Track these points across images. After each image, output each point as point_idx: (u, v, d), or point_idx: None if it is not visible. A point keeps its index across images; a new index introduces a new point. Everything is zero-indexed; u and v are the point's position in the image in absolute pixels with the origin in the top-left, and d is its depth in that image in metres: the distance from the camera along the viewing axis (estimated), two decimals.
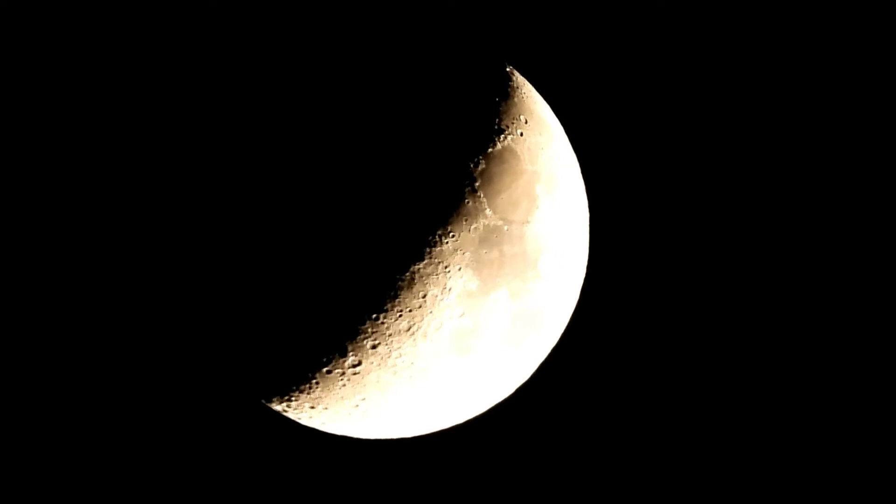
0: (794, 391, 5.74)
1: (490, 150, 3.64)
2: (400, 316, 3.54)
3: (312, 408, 3.93)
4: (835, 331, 5.72)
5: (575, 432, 5.66)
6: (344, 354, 3.62)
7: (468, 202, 3.53)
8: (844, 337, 5.70)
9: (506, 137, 3.73)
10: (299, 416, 4.06)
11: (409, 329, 3.58)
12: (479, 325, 3.66)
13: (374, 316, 3.52)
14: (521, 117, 3.87)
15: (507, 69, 4.01)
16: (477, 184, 3.56)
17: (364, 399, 3.81)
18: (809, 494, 5.64)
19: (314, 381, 3.76)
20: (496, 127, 3.72)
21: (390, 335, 3.58)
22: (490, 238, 3.58)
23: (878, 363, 5.64)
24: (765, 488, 5.68)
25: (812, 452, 5.69)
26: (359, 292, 3.47)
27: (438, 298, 3.55)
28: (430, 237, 3.48)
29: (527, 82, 4.09)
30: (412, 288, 3.51)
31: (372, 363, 3.66)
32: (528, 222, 3.70)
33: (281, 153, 3.48)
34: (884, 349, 5.63)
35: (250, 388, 3.98)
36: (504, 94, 3.87)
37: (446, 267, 3.53)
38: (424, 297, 3.54)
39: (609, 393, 5.66)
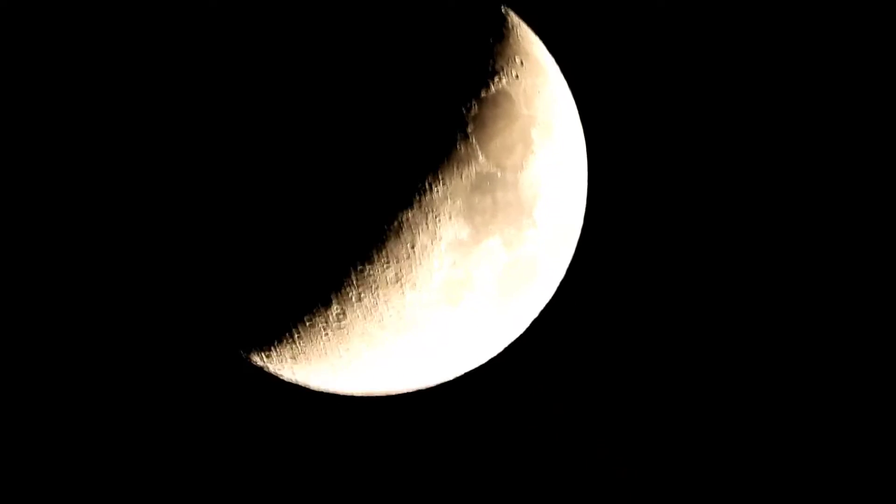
0: (789, 344, 5.94)
1: (483, 93, 3.70)
2: (387, 266, 3.63)
3: (294, 361, 4.03)
4: (826, 304, 5.93)
5: (570, 387, 5.78)
6: (327, 306, 3.70)
7: (460, 148, 3.61)
8: (835, 312, 5.92)
9: (500, 80, 3.78)
10: (280, 370, 4.15)
11: (396, 279, 3.66)
12: (470, 275, 3.74)
13: (360, 266, 3.60)
14: (517, 59, 3.91)
15: (502, 9, 4.06)
16: (469, 128, 3.63)
17: (348, 352, 3.89)
18: (799, 469, 5.87)
19: (296, 333, 3.84)
20: (490, 69, 3.77)
21: (377, 286, 3.66)
22: (483, 185, 3.66)
23: (870, 349, 5.90)
24: (757, 442, 5.88)
25: (802, 420, 5.89)
26: (343, 241, 3.55)
27: (428, 248, 3.63)
28: (420, 184, 3.56)
29: (522, 23, 4.14)
30: (400, 237, 3.59)
31: (357, 315, 3.74)
32: (522, 168, 3.78)
33: (260, 95, 3.55)
34: (874, 337, 5.90)
35: (228, 341, 4.07)
36: (498, 34, 3.90)
37: (436, 215, 3.61)
38: (413, 246, 3.62)
39: (606, 347, 5.77)
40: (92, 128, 4.03)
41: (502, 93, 3.78)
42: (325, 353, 3.93)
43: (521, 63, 3.93)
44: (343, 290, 3.67)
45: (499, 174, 3.71)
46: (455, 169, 3.62)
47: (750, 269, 5.98)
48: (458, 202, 3.64)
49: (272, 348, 3.99)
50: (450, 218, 3.64)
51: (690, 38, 5.76)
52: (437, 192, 3.60)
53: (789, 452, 5.87)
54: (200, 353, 4.53)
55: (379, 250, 3.60)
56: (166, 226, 3.78)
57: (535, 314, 4.40)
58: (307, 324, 3.80)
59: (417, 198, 3.58)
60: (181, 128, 3.67)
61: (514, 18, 4.08)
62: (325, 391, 4.37)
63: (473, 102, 3.67)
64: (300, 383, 4.28)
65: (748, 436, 5.91)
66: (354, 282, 3.65)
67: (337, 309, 3.73)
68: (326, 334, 3.83)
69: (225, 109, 3.60)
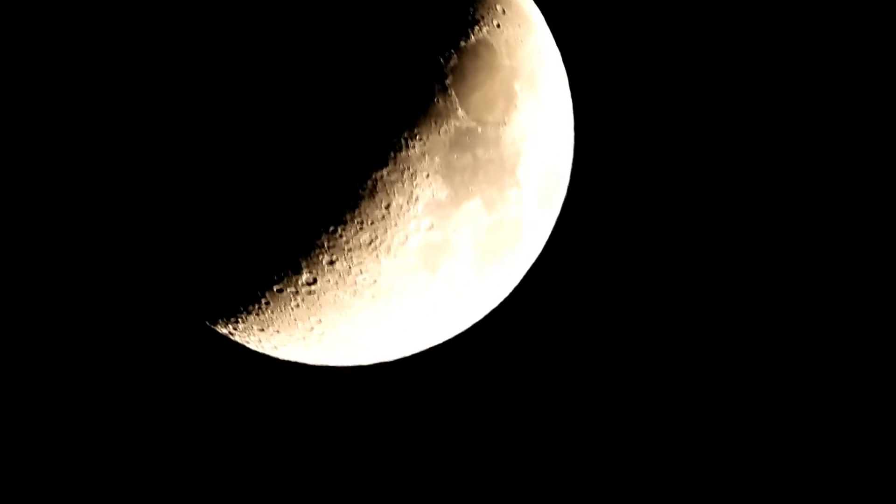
0: (778, 316, 6.11)
1: (463, 43, 3.64)
2: (360, 228, 3.58)
3: (262, 331, 3.99)
4: (813, 292, 6.11)
5: (554, 356, 5.82)
6: (297, 271, 3.67)
7: (438, 101, 3.55)
8: (822, 299, 6.11)
9: (481, 29, 3.72)
10: (247, 339, 4.13)
11: (370, 243, 3.61)
12: (449, 238, 3.71)
13: (331, 228, 3.56)
14: (498, 7, 3.85)
15: None
16: (448, 81, 3.57)
17: (320, 321, 3.86)
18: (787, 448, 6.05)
19: (264, 301, 3.79)
20: (470, 18, 3.71)
21: (349, 250, 3.62)
22: (462, 141, 3.61)
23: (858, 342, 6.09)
24: (746, 416, 6.03)
25: (792, 409, 6.06)
26: (314, 202, 3.50)
27: (404, 209, 3.58)
28: (395, 140, 3.50)
29: None
30: (374, 197, 3.53)
31: (329, 281, 3.70)
32: (505, 124, 3.72)
33: (222, 45, 3.47)
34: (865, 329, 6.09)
35: (193, 310, 4.04)
36: None
37: (413, 174, 3.56)
38: (388, 207, 3.57)
39: (592, 314, 5.81)
40: (48, 104, 3.90)
41: (483, 43, 3.71)
42: (295, 322, 3.89)
43: (503, 11, 3.87)
44: (313, 255, 3.63)
45: (479, 130, 3.65)
46: (433, 124, 3.55)
47: (739, 242, 6.11)
48: (436, 160, 3.58)
49: (238, 317, 3.95)
50: (427, 177, 3.58)
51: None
52: (414, 149, 3.54)
53: (778, 440, 6.08)
54: (164, 322, 4.50)
55: (351, 212, 3.54)
56: (124, 188, 3.71)
57: (518, 280, 4.37)
58: (275, 291, 3.75)
59: (392, 155, 3.51)
60: (138, 87, 3.58)
61: None
62: (294, 362, 4.36)
63: (452, 53, 3.60)
64: (268, 354, 4.27)
65: (731, 416, 6.09)
66: (325, 246, 3.60)
67: (307, 275, 3.69)
68: (296, 302, 3.78)
69: (183, 59, 3.52)
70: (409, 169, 3.55)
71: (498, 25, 3.80)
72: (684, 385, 6.05)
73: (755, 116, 6.05)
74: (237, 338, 4.16)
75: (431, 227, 3.66)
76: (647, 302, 5.95)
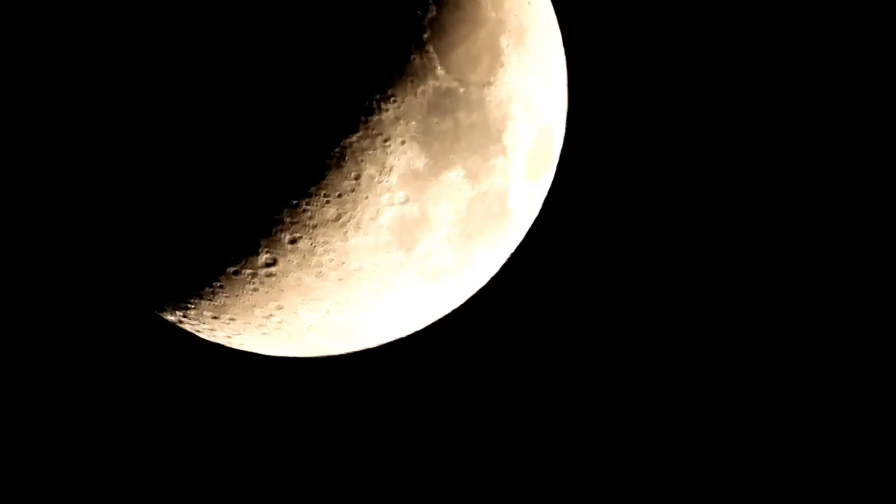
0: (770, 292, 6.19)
1: None
2: (326, 202, 3.46)
3: (216, 318, 3.90)
4: (805, 283, 6.19)
5: (543, 344, 5.84)
6: (255, 251, 3.55)
7: (414, 59, 3.42)
8: (812, 291, 6.20)
9: None
10: (199, 328, 4.06)
11: (337, 218, 3.50)
12: (427, 213, 3.61)
13: (294, 202, 3.44)
14: None
15: None
16: (426, 35, 3.44)
17: (280, 307, 3.77)
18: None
19: (217, 284, 3.70)
20: None
21: (314, 226, 3.51)
22: (442, 104, 3.49)
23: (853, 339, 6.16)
24: (738, 393, 6.13)
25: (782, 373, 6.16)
26: (274, 172, 3.36)
27: (376, 180, 3.47)
28: (366, 102, 3.37)
29: None
30: (342, 167, 3.41)
31: (291, 262, 3.59)
32: (490, 84, 3.61)
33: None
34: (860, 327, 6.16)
35: (137, 295, 3.94)
36: None
37: (386, 140, 3.43)
38: (358, 178, 3.44)
39: (584, 298, 5.83)
40: None
41: None
42: (253, 309, 3.80)
43: None
44: (273, 233, 3.52)
45: (461, 91, 3.53)
46: (408, 84, 3.43)
47: (731, 227, 6.16)
48: (413, 125, 3.46)
49: (189, 303, 3.87)
50: (402, 144, 3.47)
51: None
52: (387, 112, 3.41)
53: (757, 426, 6.15)
54: (104, 309, 4.46)
55: (316, 183, 3.43)
56: (62, 162, 3.57)
57: (504, 260, 4.31)
58: (230, 273, 3.65)
59: (363, 119, 3.39)
60: (79, 67, 3.42)
61: None
62: (252, 352, 4.29)
63: (430, 3, 3.48)
64: (222, 344, 4.21)
65: (717, 407, 6.16)
66: (287, 222, 3.49)
67: (266, 255, 3.58)
68: (254, 286, 3.69)
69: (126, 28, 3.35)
70: (381, 135, 3.43)
71: None
72: (675, 372, 6.10)
73: (750, 105, 6.12)
74: (187, 326, 4.07)
75: (406, 200, 3.56)
76: (641, 285, 5.92)
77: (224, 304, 3.78)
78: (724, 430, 6.08)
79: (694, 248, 6.05)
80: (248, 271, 3.61)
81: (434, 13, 3.45)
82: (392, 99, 3.39)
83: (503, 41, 3.67)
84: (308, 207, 3.45)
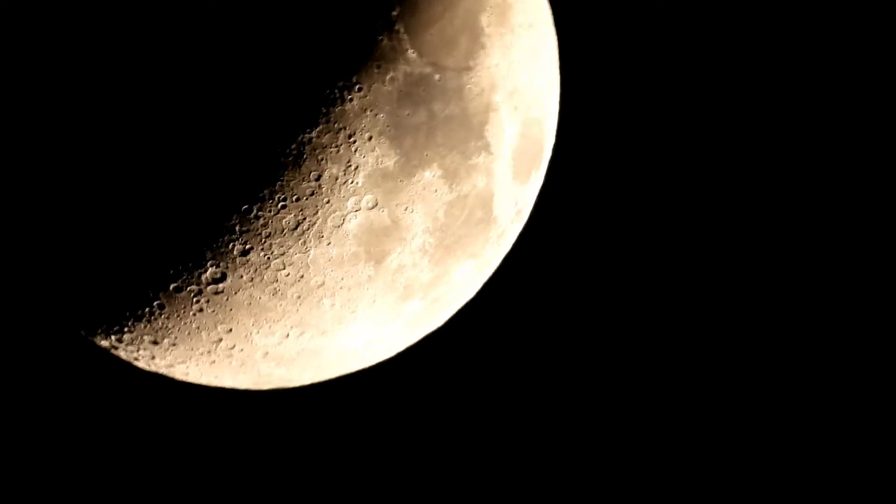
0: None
1: None
2: (283, 207, 3.34)
3: (155, 344, 3.76)
4: (805, 288, 6.41)
5: (534, 371, 5.88)
6: (200, 265, 3.43)
7: (382, 40, 3.28)
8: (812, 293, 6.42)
9: None
10: (136, 355, 3.92)
11: (296, 227, 3.39)
12: (399, 219, 3.49)
13: (244, 208, 3.31)
14: None
15: None
16: (395, 13, 3.31)
17: (231, 331, 3.63)
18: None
19: (156, 304, 3.57)
20: None
21: (268, 236, 3.38)
22: (415, 93, 3.35)
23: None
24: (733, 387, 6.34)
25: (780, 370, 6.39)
26: (221, 173, 3.24)
27: (339, 181, 3.34)
28: (326, 92, 3.24)
29: None
30: (300, 166, 3.29)
31: (242, 277, 3.47)
32: (469, 69, 3.46)
33: None
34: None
35: (64, 316, 3.83)
36: None
37: (350, 135, 3.29)
38: (318, 179, 3.32)
39: (577, 316, 5.91)
40: None
41: None
42: (198, 332, 3.67)
43: None
44: (221, 243, 3.39)
45: (436, 77, 3.39)
46: (375, 70, 3.29)
47: (728, 227, 6.32)
48: (381, 117, 3.32)
49: (123, 326, 3.73)
50: (369, 139, 3.33)
51: None
52: (351, 102, 3.27)
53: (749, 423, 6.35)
54: (28, 332, 4.43)
55: (270, 185, 3.30)
56: None
57: (489, 274, 4.24)
58: (171, 291, 3.53)
59: (324, 111, 3.26)
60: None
61: None
62: (197, 384, 4.18)
63: None
64: (163, 373, 4.09)
65: (715, 409, 6.35)
66: (237, 230, 3.36)
67: (213, 269, 3.46)
68: (199, 305, 3.57)
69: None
70: (345, 129, 3.30)
71: None
72: (672, 379, 6.26)
73: (747, 105, 6.29)
74: (122, 353, 3.93)
75: (375, 204, 3.44)
76: (643, 303, 6.06)
77: (164, 327, 3.65)
78: (719, 433, 6.25)
79: (702, 258, 6.27)
80: (192, 288, 3.50)
81: None
82: (357, 87, 3.25)
83: (484, 19, 3.52)
84: (261, 213, 3.32)
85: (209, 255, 3.38)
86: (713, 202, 6.22)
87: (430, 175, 3.45)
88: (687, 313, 6.21)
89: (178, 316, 3.58)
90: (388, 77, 3.28)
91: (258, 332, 3.64)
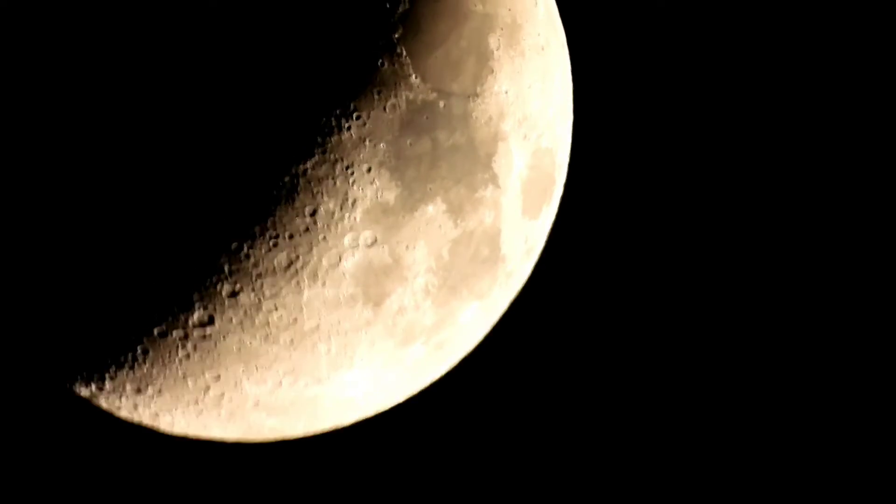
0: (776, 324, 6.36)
1: None
2: (275, 245, 3.25)
3: (138, 392, 3.65)
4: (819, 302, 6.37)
5: (543, 422, 5.88)
6: (187, 307, 3.34)
7: (383, 64, 3.21)
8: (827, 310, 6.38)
9: None
10: (118, 405, 3.79)
11: (288, 266, 3.29)
12: (400, 257, 3.40)
13: (234, 246, 3.22)
14: None
15: None
16: (396, 34, 3.23)
17: (218, 377, 3.53)
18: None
19: (140, 349, 3.46)
20: None
21: (259, 276, 3.29)
22: (417, 121, 3.27)
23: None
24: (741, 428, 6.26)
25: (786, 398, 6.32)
26: (209, 208, 3.16)
27: (336, 217, 3.25)
28: (323, 119, 3.16)
29: None
30: (294, 201, 3.21)
31: (231, 321, 3.37)
32: (476, 95, 3.39)
33: None
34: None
35: (40, 363, 3.73)
36: None
37: (348, 167, 3.21)
38: (313, 214, 3.24)
39: (595, 362, 5.86)
40: None
41: None
42: (184, 380, 3.56)
43: None
44: (208, 284, 3.31)
45: (441, 104, 3.31)
46: (375, 97, 3.21)
47: (753, 261, 6.31)
48: (381, 147, 3.24)
49: (104, 374, 3.62)
50: (368, 171, 3.24)
51: None
52: (349, 131, 3.19)
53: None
54: (5, 381, 4.29)
55: (262, 222, 3.22)
56: None
57: (498, 316, 4.14)
58: (156, 336, 3.43)
59: (319, 141, 3.18)
60: None
61: None
62: (183, 435, 4.05)
63: None
64: (147, 424, 3.95)
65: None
66: (226, 270, 3.27)
67: (200, 312, 3.36)
68: (185, 351, 3.46)
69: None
70: (342, 160, 3.22)
71: None
72: (688, 436, 6.17)
73: (760, 117, 6.32)
74: (103, 402, 3.81)
75: (374, 241, 3.35)
76: (657, 343, 6.03)
77: (149, 375, 3.54)
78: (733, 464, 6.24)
79: (722, 297, 6.22)
80: (178, 332, 3.40)
81: (407, 6, 3.27)
82: (355, 115, 3.18)
83: (492, 41, 3.45)
84: (252, 252, 3.24)
85: (196, 296, 3.30)
86: (736, 236, 6.20)
87: (433, 210, 3.37)
88: (704, 356, 6.16)
89: (162, 362, 3.48)
90: (388, 104, 3.22)
91: (248, 379, 3.53)
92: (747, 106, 6.36)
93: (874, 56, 6.32)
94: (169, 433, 4.05)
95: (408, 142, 3.25)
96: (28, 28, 3.26)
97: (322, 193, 3.21)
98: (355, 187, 3.22)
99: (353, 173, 3.21)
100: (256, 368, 3.50)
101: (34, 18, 3.27)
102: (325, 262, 3.30)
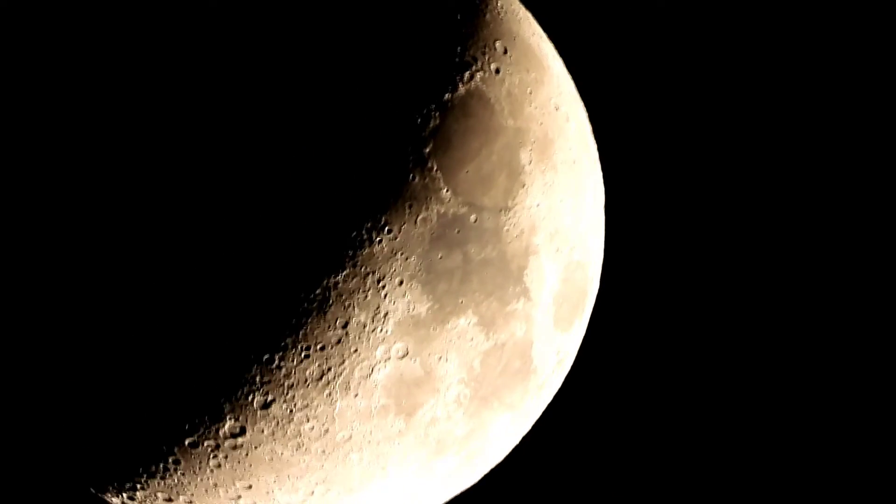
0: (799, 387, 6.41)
1: (448, 96, 3.35)
2: (306, 357, 3.25)
3: (169, 501, 3.65)
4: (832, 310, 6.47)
5: None
6: (218, 418, 3.34)
7: (414, 179, 3.24)
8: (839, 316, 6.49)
9: (473, 76, 3.43)
10: None
11: (320, 377, 3.29)
12: (431, 369, 3.40)
13: (266, 357, 3.23)
14: (498, 45, 3.58)
15: None
16: (427, 149, 3.26)
17: (250, 487, 3.53)
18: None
19: (171, 459, 3.46)
20: (457, 60, 3.43)
21: (291, 387, 3.29)
22: (449, 234, 3.30)
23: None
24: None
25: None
26: (241, 321, 3.17)
27: (368, 329, 3.25)
28: (354, 234, 3.18)
29: None
30: (325, 313, 3.21)
31: (262, 431, 3.37)
32: (507, 209, 3.43)
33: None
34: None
35: (72, 472, 3.71)
36: (471, 8, 3.59)
37: (379, 280, 3.23)
38: (345, 326, 3.23)
39: (627, 474, 5.80)
40: None
41: (476, 95, 3.43)
42: (216, 490, 3.57)
43: (505, 51, 3.61)
44: (240, 395, 3.30)
45: (472, 218, 3.35)
46: (406, 210, 3.24)
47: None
48: (412, 261, 3.27)
49: (136, 483, 3.61)
50: (400, 284, 3.26)
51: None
52: (381, 245, 3.22)
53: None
54: (34, 488, 4.31)
55: (294, 334, 3.22)
56: None
57: (529, 427, 4.14)
58: (187, 446, 3.43)
59: (350, 254, 3.19)
60: None
61: None
62: None
63: (433, 110, 3.31)
64: None
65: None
66: (257, 381, 3.27)
67: (232, 423, 3.36)
68: (216, 461, 3.46)
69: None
70: (373, 273, 3.23)
71: (497, 70, 3.54)
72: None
73: (780, 152, 6.44)
74: None
75: (406, 353, 3.35)
76: (693, 452, 5.99)
77: (180, 484, 3.55)
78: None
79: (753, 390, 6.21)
80: (210, 443, 3.39)
81: (437, 121, 3.29)
82: (386, 228, 3.21)
83: (524, 155, 3.49)
84: (283, 363, 3.24)
85: (228, 407, 3.30)
86: (759, 324, 6.17)
87: (464, 322, 3.37)
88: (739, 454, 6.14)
89: (193, 472, 3.48)
90: (419, 217, 3.24)
91: (280, 489, 3.54)
92: (749, 116, 6.42)
93: (874, 56, 6.37)
94: None
95: (439, 255, 3.28)
96: (29, 34, 3.31)
97: (353, 306, 3.21)
98: (387, 300, 3.24)
99: (384, 286, 3.22)
100: (288, 478, 3.49)
101: (37, 28, 3.34)
102: (356, 373, 3.29)
